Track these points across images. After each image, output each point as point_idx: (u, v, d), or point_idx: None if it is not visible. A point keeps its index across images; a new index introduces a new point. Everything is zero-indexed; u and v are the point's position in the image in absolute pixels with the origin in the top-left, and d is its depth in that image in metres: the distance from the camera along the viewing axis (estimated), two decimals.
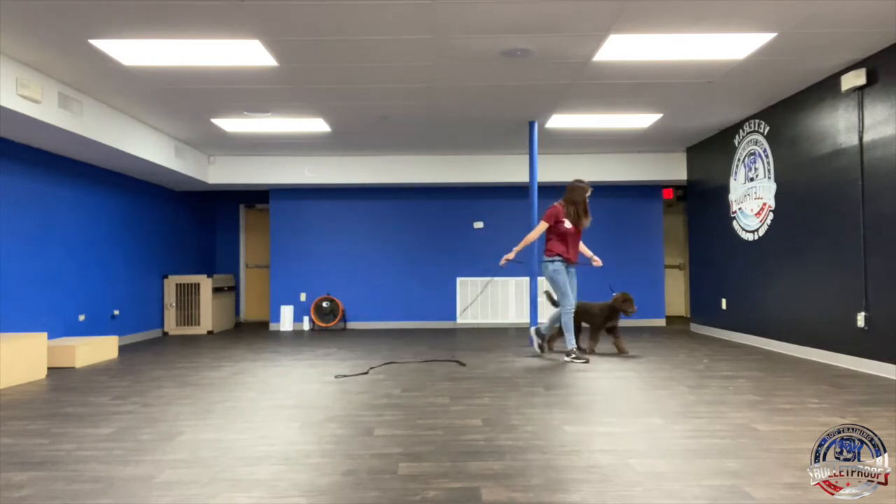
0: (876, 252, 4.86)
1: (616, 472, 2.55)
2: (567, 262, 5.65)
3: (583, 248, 5.91)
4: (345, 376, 4.89)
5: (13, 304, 5.61)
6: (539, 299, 8.93)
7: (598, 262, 5.93)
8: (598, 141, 7.88)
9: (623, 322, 9.04)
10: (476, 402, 3.92)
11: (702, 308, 8.08)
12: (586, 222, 5.75)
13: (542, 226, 5.71)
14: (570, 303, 5.57)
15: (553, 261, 5.62)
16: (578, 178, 5.85)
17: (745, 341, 6.85)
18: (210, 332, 8.57)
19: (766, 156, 6.43)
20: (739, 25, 4.26)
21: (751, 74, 5.30)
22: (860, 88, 4.98)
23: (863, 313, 4.98)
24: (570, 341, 5.61)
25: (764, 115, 6.48)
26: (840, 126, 5.28)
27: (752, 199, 6.73)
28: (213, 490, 2.40)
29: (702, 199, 8.09)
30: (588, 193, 5.71)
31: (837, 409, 3.64)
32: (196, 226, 9.68)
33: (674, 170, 8.62)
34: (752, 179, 6.74)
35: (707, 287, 7.91)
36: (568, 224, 5.62)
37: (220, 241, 10.39)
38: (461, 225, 9.26)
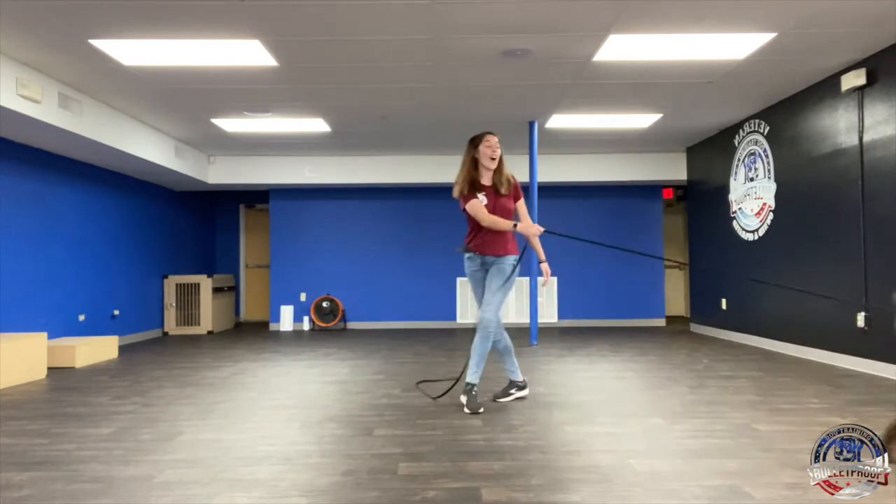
0: (876, 252, 4.85)
1: (616, 472, 2.55)
2: (473, 253, 3.89)
3: (530, 236, 3.81)
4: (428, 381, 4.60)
5: (13, 304, 5.61)
6: (540, 299, 8.94)
7: (543, 275, 3.92)
8: (599, 141, 7.88)
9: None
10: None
11: (702, 308, 8.08)
12: (498, 187, 3.79)
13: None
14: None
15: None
16: None
17: (745, 341, 6.85)
18: (210, 332, 8.57)
19: (766, 156, 6.43)
20: (739, 25, 4.26)
21: (751, 74, 5.29)
22: (860, 88, 4.98)
23: (863, 313, 4.98)
24: (471, 373, 3.74)
25: (764, 115, 6.48)
26: (840, 126, 5.28)
27: (752, 199, 6.73)
28: (213, 490, 2.40)
29: (702, 199, 8.09)
30: (480, 141, 3.75)
31: (837, 409, 3.64)
32: (196, 226, 9.67)
33: (674, 170, 8.62)
34: (752, 179, 6.74)
35: (707, 287, 7.91)
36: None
37: (220, 241, 10.39)
38: (461, 225, 9.18)
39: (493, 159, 3.77)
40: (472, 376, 3.73)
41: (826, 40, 4.57)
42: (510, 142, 7.78)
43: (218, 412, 3.72)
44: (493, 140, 3.76)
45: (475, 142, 3.80)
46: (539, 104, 6.17)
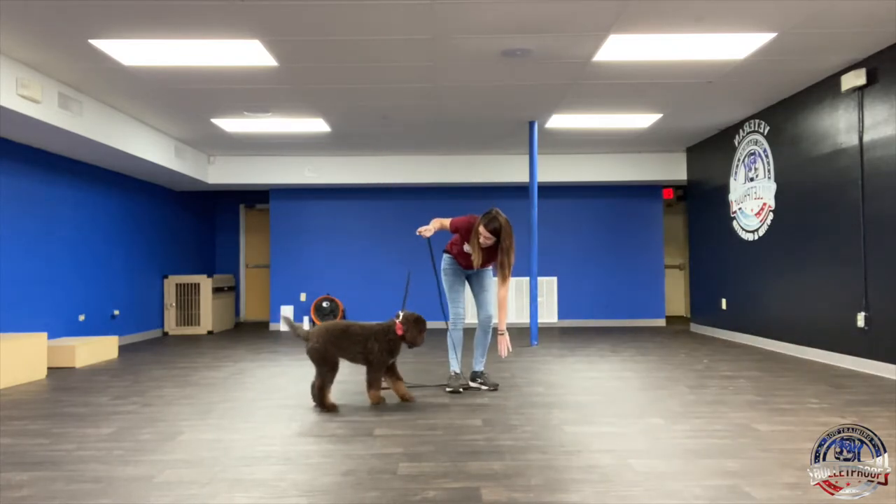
0: (876, 252, 4.85)
1: (616, 472, 2.55)
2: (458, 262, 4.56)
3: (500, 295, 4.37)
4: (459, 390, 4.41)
5: (13, 304, 5.61)
6: (540, 299, 8.95)
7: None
8: (599, 141, 7.88)
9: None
10: (476, 402, 3.92)
11: (702, 308, 8.08)
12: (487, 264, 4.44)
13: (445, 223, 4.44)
14: (456, 313, 4.62)
15: (446, 254, 4.61)
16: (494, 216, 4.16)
17: (745, 341, 6.85)
18: (210, 332, 8.57)
19: (766, 156, 6.43)
20: (739, 25, 4.26)
21: (751, 74, 5.29)
22: (860, 88, 4.98)
23: (863, 313, 4.98)
24: (453, 362, 4.54)
25: (764, 115, 6.48)
26: (840, 126, 5.28)
27: (752, 199, 6.73)
28: (213, 490, 2.40)
29: (702, 199, 8.09)
30: (480, 228, 4.14)
31: (837, 409, 3.64)
32: (196, 226, 9.67)
33: (674, 170, 8.62)
34: (752, 179, 6.74)
35: (707, 287, 7.91)
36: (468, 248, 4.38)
37: (220, 241, 10.39)
38: None
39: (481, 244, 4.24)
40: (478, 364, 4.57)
41: (826, 40, 4.57)
42: (510, 142, 7.80)
43: (218, 412, 3.72)
44: (485, 232, 4.14)
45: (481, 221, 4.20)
46: (539, 104, 6.17)
